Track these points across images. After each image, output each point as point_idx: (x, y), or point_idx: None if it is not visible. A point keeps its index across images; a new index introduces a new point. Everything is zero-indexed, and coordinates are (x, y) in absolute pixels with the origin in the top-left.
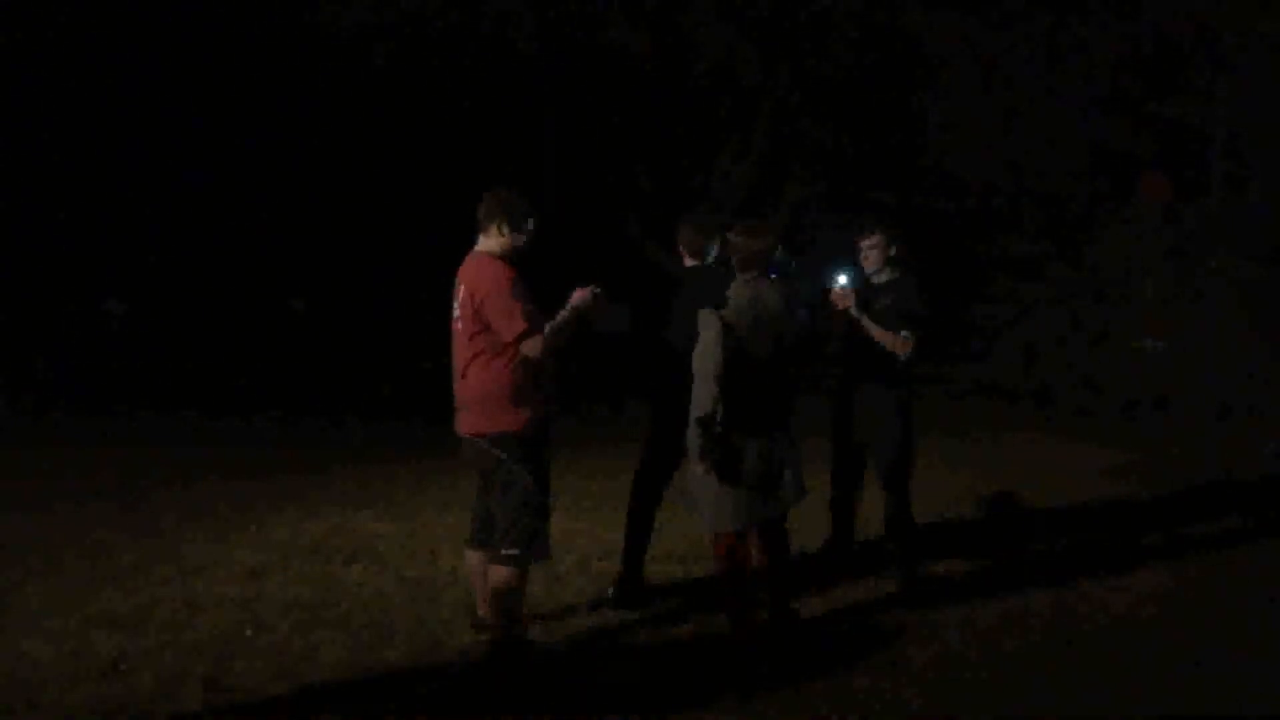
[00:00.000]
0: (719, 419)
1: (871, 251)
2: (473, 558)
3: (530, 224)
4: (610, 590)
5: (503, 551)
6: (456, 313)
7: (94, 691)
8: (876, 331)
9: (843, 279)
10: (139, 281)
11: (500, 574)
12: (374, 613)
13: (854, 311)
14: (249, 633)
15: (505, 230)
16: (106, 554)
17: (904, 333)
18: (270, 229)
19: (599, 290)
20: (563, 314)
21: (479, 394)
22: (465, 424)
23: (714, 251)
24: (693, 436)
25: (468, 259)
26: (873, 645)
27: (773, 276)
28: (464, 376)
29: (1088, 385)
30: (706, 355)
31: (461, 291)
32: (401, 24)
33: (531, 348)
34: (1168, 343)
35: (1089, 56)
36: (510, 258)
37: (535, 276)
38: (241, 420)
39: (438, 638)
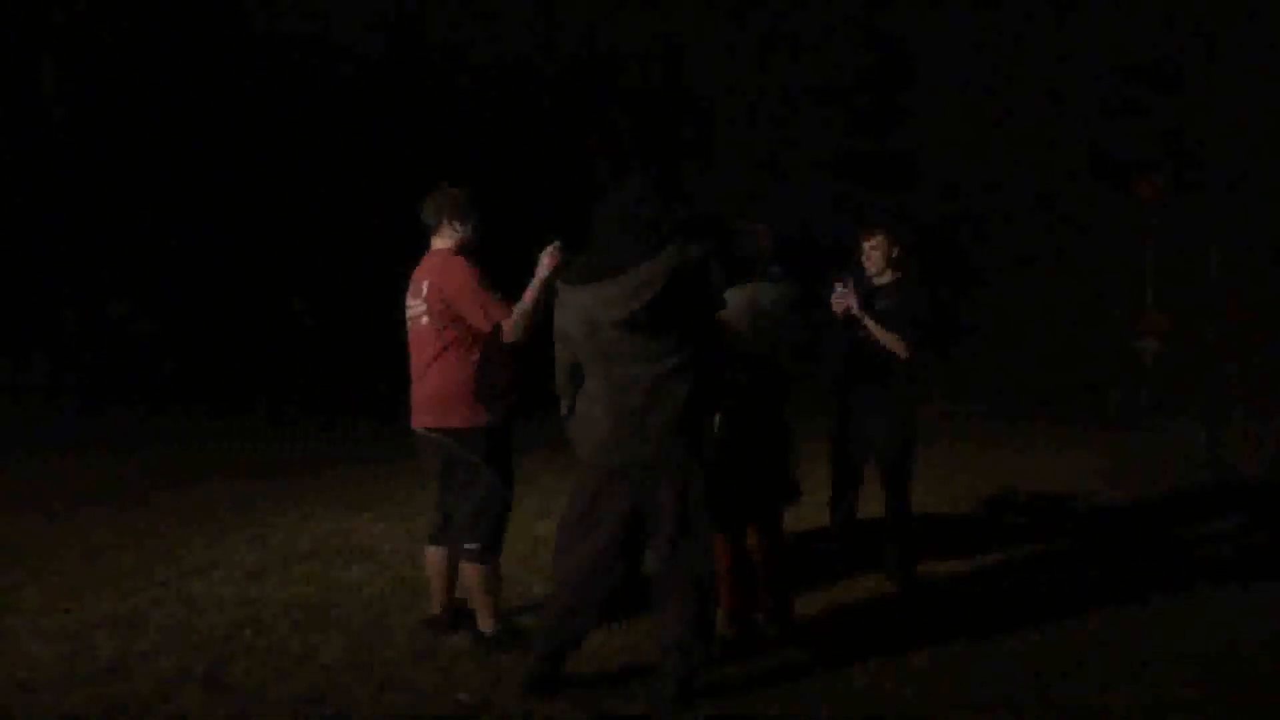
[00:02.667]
0: (718, 420)
1: (874, 252)
2: (433, 555)
3: (476, 215)
4: None
5: (465, 547)
6: (419, 310)
7: (94, 692)
8: (878, 332)
9: (842, 281)
10: (139, 281)
11: (472, 571)
12: (373, 613)
13: (855, 311)
14: (249, 633)
15: (456, 226)
16: (106, 555)
17: (905, 333)
18: (270, 229)
19: (559, 244)
20: (530, 288)
21: (444, 389)
22: (428, 419)
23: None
24: None
25: (426, 258)
26: (873, 645)
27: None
28: (426, 373)
29: (1086, 386)
30: None
31: (425, 289)
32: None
33: (509, 332)
34: (1166, 343)
35: (1086, 58)
36: (467, 251)
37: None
38: (241, 421)
39: (436, 638)
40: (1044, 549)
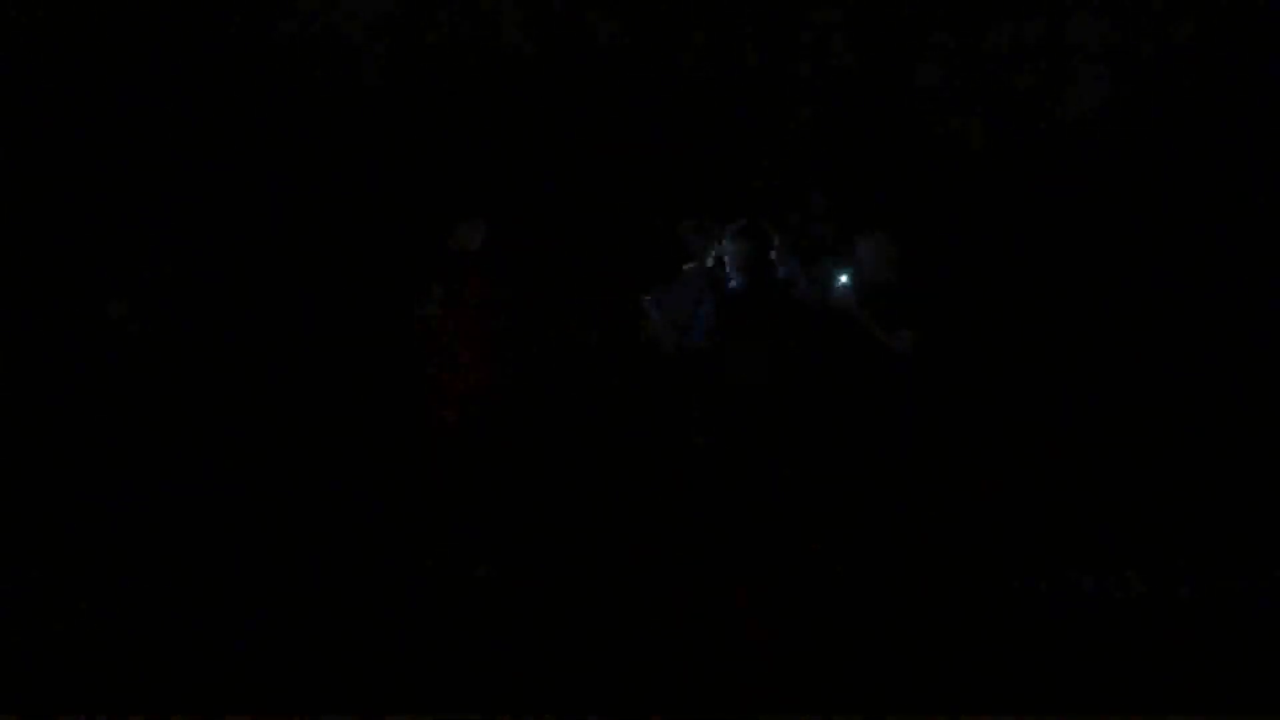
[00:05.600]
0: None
1: (872, 250)
2: None
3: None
4: None
5: None
6: None
7: None
8: (879, 332)
9: (843, 279)
10: (141, 281)
11: None
12: None
13: (854, 310)
14: None
15: None
16: None
17: (907, 332)
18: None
19: None
20: None
21: None
22: None
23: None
24: None
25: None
26: (873, 644)
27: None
28: None
29: None
30: None
31: None
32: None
33: None
34: None
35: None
36: None
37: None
38: None
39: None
40: (1044, 548)
